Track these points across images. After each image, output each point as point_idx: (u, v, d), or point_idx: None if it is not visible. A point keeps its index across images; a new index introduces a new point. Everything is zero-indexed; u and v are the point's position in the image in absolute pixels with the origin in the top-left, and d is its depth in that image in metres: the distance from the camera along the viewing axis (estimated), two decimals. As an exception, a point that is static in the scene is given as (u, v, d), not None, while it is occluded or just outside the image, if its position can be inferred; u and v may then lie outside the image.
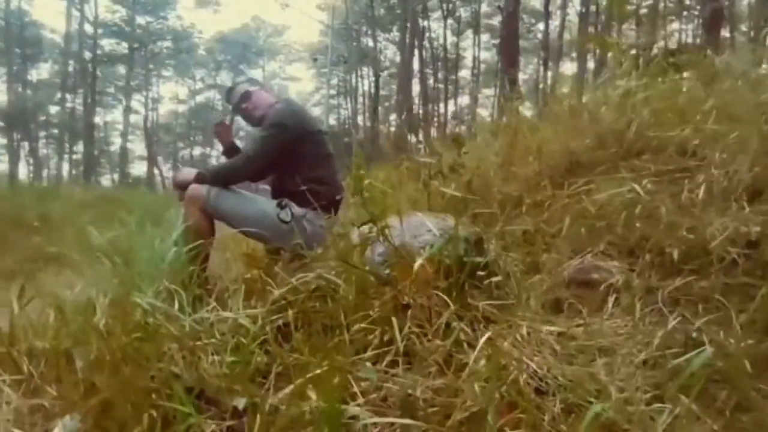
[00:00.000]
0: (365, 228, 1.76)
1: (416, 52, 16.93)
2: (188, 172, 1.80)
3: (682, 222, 1.35)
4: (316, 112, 37.13)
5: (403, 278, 1.06)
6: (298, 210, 1.71)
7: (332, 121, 25.19)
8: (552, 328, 1.19)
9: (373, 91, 24.55)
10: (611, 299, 1.27)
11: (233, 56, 31.74)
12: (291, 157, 1.75)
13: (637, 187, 1.46)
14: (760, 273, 1.14)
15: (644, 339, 1.08)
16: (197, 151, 36.81)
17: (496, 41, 28.49)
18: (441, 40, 22.91)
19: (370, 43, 22.77)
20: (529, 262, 1.72)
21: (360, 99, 26.33)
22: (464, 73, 28.17)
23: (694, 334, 1.03)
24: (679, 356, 0.93)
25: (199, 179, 1.72)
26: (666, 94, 2.33)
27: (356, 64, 21.87)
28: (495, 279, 1.29)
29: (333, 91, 28.41)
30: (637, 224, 1.40)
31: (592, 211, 1.67)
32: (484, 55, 26.08)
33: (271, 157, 1.74)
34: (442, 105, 24.13)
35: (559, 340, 1.16)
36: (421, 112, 23.21)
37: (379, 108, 23.83)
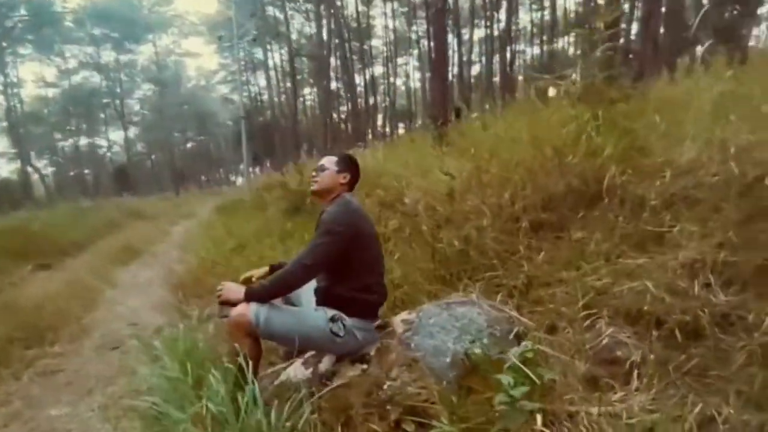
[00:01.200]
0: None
1: (332, 22, 16.25)
2: (236, 290, 1.69)
3: (674, 302, 1.72)
4: (223, 90, 34.38)
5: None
6: (349, 322, 1.74)
7: (244, 98, 23.47)
8: (601, 409, 1.49)
9: (282, 65, 23.16)
10: (635, 373, 1.62)
11: (114, 30, 27.44)
12: (344, 263, 1.73)
13: (649, 284, 1.77)
14: (740, 344, 1.54)
15: (672, 414, 1.43)
16: (83, 141, 32.11)
17: (405, 9, 28.69)
18: (350, 10, 22.25)
19: (277, 14, 21.36)
20: (547, 325, 2.03)
21: (271, 74, 24.93)
22: (375, 43, 28.03)
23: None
24: None
25: (251, 296, 1.65)
26: (618, 142, 2.73)
27: (270, 39, 20.40)
28: (550, 376, 1.54)
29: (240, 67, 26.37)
30: (645, 307, 1.74)
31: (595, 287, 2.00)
32: (394, 23, 26.13)
33: (326, 264, 1.71)
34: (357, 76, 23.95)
35: (609, 420, 1.47)
36: (337, 85, 22.76)
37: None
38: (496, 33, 23.64)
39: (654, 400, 1.52)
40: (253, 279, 1.95)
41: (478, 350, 1.60)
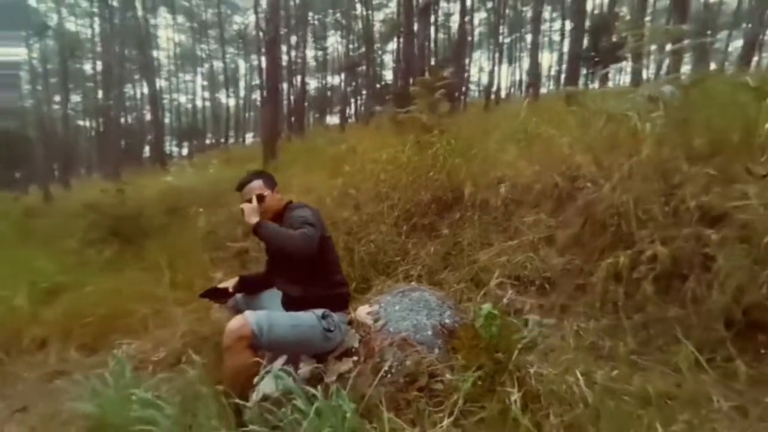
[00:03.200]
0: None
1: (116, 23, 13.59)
2: (253, 212, 1.74)
3: (536, 266, 2.58)
4: None
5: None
6: (335, 317, 1.84)
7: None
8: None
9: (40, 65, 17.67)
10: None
11: None
12: (317, 264, 1.81)
13: (533, 256, 2.57)
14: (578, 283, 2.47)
15: (557, 333, 2.20)
16: None
17: (193, 25, 26.68)
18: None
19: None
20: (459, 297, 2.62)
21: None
22: (157, 55, 24.84)
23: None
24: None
25: (261, 228, 1.70)
26: (463, 162, 3.65)
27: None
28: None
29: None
30: (525, 272, 2.53)
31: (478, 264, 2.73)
32: (180, 37, 23.83)
33: (314, 248, 1.70)
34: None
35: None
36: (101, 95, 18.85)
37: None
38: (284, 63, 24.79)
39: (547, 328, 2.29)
40: (230, 289, 1.84)
41: (448, 320, 2.02)
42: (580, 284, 2.43)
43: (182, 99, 27.82)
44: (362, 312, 2.16)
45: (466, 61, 20.70)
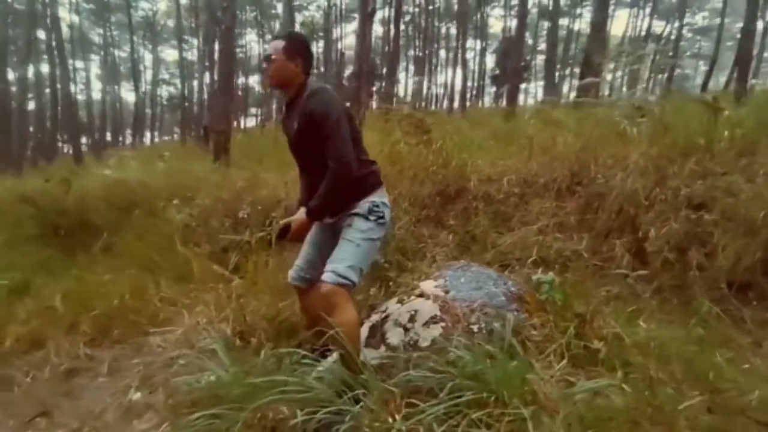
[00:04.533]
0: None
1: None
2: (296, 221, 1.81)
3: (555, 246, 2.90)
4: None
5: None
6: (377, 199, 1.81)
7: None
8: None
9: None
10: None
11: None
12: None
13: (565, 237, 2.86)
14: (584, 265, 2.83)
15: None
16: None
17: (90, 5, 23.45)
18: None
19: None
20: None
21: None
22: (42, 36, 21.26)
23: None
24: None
25: (314, 214, 1.77)
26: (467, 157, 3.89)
27: None
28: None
29: None
30: (550, 253, 2.83)
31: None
32: (73, 18, 20.70)
33: (347, 136, 1.71)
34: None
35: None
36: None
37: None
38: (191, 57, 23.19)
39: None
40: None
41: (513, 288, 2.19)
42: (596, 262, 2.79)
43: (74, 89, 24.08)
44: (430, 285, 2.24)
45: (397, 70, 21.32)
